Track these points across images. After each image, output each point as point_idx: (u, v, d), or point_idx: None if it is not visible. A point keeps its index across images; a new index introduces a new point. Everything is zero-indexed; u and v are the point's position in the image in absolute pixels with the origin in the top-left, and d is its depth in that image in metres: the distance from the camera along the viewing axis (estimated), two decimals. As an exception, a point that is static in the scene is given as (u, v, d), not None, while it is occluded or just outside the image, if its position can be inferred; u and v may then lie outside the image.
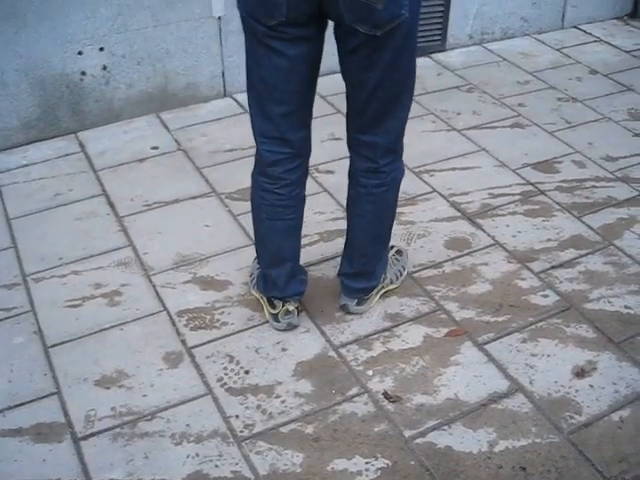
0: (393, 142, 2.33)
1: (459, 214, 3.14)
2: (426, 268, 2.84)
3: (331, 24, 2.08)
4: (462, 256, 2.91)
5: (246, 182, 3.24)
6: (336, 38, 2.11)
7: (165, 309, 2.65)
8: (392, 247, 2.78)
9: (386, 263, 2.69)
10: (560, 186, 3.34)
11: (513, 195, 3.27)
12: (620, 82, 4.32)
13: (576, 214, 3.16)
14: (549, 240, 3.01)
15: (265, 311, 2.62)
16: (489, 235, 3.02)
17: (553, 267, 2.87)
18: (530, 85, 4.24)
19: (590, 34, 4.93)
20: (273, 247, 2.50)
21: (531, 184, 3.34)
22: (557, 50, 4.68)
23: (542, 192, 3.29)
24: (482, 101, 4.04)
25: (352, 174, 2.45)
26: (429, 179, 3.31)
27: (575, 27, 5.01)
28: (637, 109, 4.03)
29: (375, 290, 2.66)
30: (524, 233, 3.04)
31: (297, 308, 2.59)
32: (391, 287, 2.73)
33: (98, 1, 3.44)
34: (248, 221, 3.02)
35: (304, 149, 2.36)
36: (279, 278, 2.52)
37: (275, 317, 2.58)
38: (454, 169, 3.43)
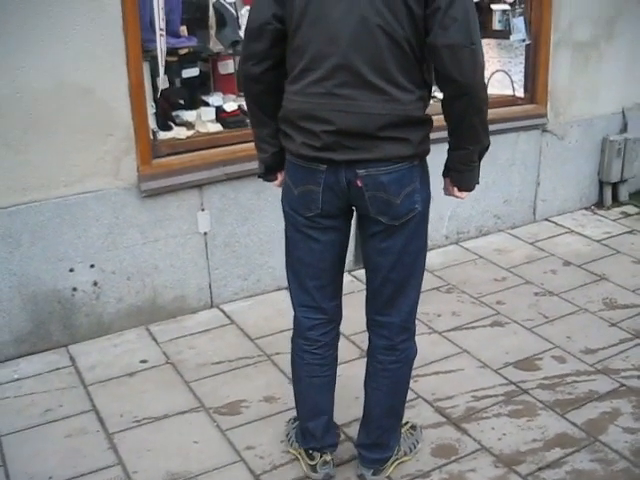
0: (406, 320, 2.65)
1: (444, 419, 3.18)
2: (415, 478, 2.85)
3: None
4: (449, 463, 2.92)
5: (233, 396, 3.33)
6: (359, 227, 2.56)
7: (155, 532, 2.64)
8: (406, 423, 3.00)
9: (400, 436, 2.89)
10: (542, 383, 3.40)
11: (496, 396, 3.32)
12: (593, 272, 4.48)
13: (559, 411, 3.21)
14: (534, 440, 3.04)
15: (303, 465, 2.86)
16: (475, 440, 3.05)
17: (540, 469, 2.88)
18: (507, 281, 4.38)
19: (561, 225, 5.16)
20: (311, 402, 2.80)
21: (513, 384, 3.40)
22: (531, 244, 4.88)
23: (525, 391, 3.35)
24: (461, 301, 4.16)
25: (370, 352, 2.74)
26: (413, 385, 3.34)
27: (546, 220, 5.25)
28: (611, 298, 4.16)
29: (390, 461, 2.83)
30: (509, 435, 3.07)
31: (333, 460, 2.84)
32: (405, 459, 2.91)
33: (89, 221, 3.61)
34: (236, 437, 3.07)
35: (336, 315, 2.74)
36: (316, 430, 2.79)
37: (313, 468, 2.82)
38: (437, 373, 3.50)
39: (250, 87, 2.51)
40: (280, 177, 2.69)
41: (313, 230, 2.52)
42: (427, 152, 2.46)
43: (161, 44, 3.50)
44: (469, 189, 2.57)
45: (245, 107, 4.00)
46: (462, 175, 2.52)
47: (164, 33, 3.46)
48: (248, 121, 2.71)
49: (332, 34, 2.26)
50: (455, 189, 2.57)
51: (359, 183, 2.37)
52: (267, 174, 2.70)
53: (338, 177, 2.39)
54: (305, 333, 2.70)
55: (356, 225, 2.59)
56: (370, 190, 2.38)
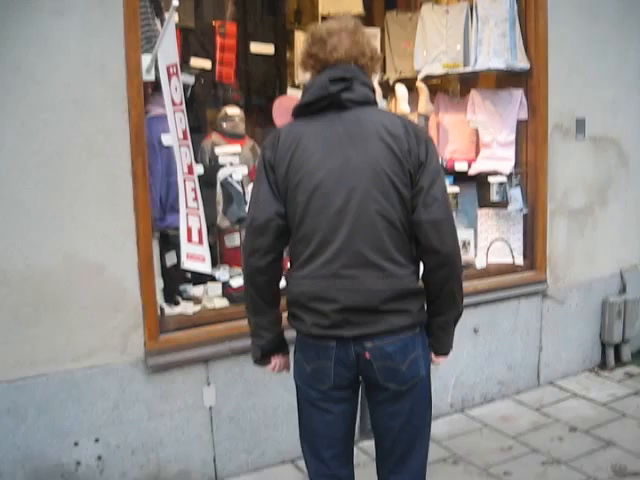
0: (417, 477, 2.74)
1: None
2: None
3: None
4: None
5: None
6: (367, 394, 2.68)
7: None
8: None
9: None
10: None
11: None
12: (600, 437, 4.42)
13: None
14: None
15: None
16: None
17: None
18: (513, 450, 4.31)
19: (566, 389, 5.14)
20: None
21: None
22: (536, 410, 4.85)
23: None
24: (468, 473, 4.08)
25: None
26: None
27: (551, 383, 5.24)
28: (620, 465, 4.09)
29: None
30: None
31: None
32: None
33: (95, 395, 3.62)
34: None
35: None
36: None
37: None
38: None
39: (255, 278, 2.64)
40: (274, 361, 2.81)
41: (326, 402, 2.64)
42: (425, 320, 2.66)
43: (189, 222, 3.58)
44: (446, 353, 2.78)
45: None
46: (440, 340, 2.73)
47: (197, 212, 3.53)
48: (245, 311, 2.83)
49: (335, 222, 2.49)
50: (432, 355, 2.75)
51: (367, 355, 2.53)
52: (263, 359, 2.81)
53: (348, 351, 2.54)
54: None
55: (363, 393, 2.70)
56: (378, 360, 2.53)
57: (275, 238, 2.56)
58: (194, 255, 3.54)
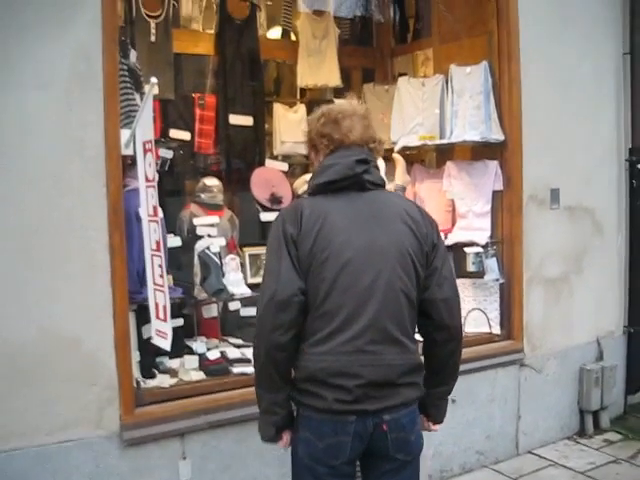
0: None
1: None
2: None
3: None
4: None
5: None
6: (369, 467, 2.73)
7: None
8: None
9: None
10: None
11: None
12: (580, 509, 4.40)
13: None
14: None
15: None
16: None
17: None
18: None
19: (544, 458, 5.11)
20: None
21: None
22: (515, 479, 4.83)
23: None
24: None
25: None
26: None
27: (529, 452, 5.21)
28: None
29: None
30: None
31: None
32: None
33: (70, 469, 3.55)
34: None
35: None
36: None
37: None
38: None
39: (275, 355, 2.62)
40: (285, 437, 2.78)
41: (334, 477, 2.65)
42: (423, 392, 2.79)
43: (156, 298, 3.53)
44: (442, 421, 2.93)
45: (228, 355, 4.16)
46: (439, 409, 2.89)
47: (162, 289, 3.47)
48: (256, 388, 2.74)
49: (364, 299, 2.59)
50: (431, 424, 2.91)
51: (385, 427, 2.61)
52: (276, 436, 2.77)
53: (366, 424, 2.60)
54: None
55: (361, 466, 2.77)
56: (393, 432, 2.62)
57: (298, 314, 2.60)
58: (160, 332, 3.50)
